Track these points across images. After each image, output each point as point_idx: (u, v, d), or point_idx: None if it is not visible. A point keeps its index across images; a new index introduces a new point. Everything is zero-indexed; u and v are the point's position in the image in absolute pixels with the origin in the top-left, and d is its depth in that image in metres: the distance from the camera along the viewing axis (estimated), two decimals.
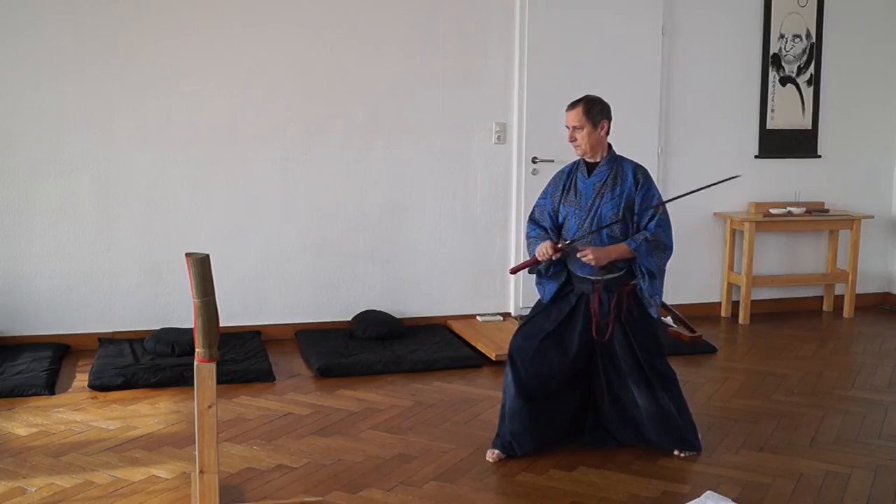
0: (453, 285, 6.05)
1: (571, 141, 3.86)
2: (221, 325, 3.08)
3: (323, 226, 5.80)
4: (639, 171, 3.86)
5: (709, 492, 3.43)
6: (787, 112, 6.63)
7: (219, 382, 3.07)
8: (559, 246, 3.78)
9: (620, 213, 3.80)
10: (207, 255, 2.92)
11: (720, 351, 5.63)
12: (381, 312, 5.80)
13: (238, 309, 5.64)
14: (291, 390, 4.74)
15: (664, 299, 4.01)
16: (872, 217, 6.73)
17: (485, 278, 6.07)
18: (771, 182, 6.65)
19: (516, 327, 4.16)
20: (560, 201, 3.91)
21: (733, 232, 6.52)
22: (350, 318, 5.79)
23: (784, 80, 6.59)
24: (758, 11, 6.49)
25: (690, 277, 6.40)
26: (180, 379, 4.75)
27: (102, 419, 4.26)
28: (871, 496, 3.52)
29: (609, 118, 3.86)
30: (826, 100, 6.71)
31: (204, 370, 2.97)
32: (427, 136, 5.91)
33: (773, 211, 6.46)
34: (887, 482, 3.65)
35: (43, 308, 5.40)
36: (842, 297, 6.73)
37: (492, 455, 3.82)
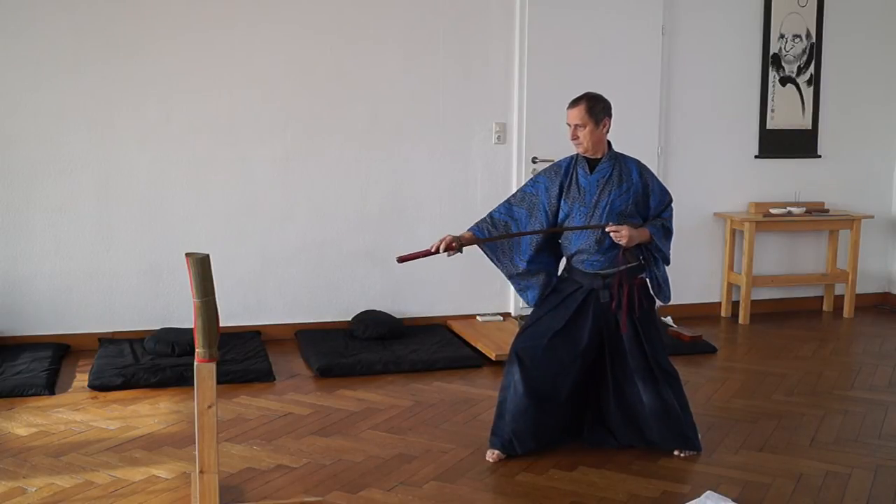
0: (453, 285, 6.05)
1: (573, 139, 3.86)
2: (221, 325, 3.08)
3: (323, 226, 5.80)
4: (643, 170, 3.91)
5: (709, 492, 3.43)
6: (787, 112, 6.63)
7: (219, 382, 3.07)
8: (456, 244, 3.76)
9: (629, 209, 3.82)
10: (207, 255, 2.92)
11: (720, 351, 5.63)
12: (381, 312, 5.80)
13: (238, 309, 5.64)
14: (291, 390, 4.74)
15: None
16: (872, 217, 6.73)
17: (485, 278, 6.05)
18: (771, 182, 6.65)
19: (519, 329, 4.15)
20: (560, 197, 3.90)
21: (733, 232, 6.52)
22: (350, 318, 5.79)
23: (784, 80, 6.59)
24: (758, 11, 6.49)
25: (690, 277, 6.40)
26: (180, 379, 4.75)
27: (102, 419, 4.26)
28: (871, 496, 3.52)
29: (610, 115, 3.87)
30: (826, 100, 6.71)
31: (204, 370, 2.97)
32: (427, 136, 5.92)
33: (773, 211, 6.46)
34: (887, 482, 3.65)
35: (43, 308, 5.41)
36: (842, 297, 6.73)
37: (492, 455, 3.82)
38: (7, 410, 4.35)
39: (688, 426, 3.90)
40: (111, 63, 5.35)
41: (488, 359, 5.29)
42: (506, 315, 6.11)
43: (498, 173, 6.07)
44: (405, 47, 5.82)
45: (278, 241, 5.74)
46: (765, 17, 6.50)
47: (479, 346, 5.44)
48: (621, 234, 3.74)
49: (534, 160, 6.02)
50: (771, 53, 6.53)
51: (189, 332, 4.82)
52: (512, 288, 6.10)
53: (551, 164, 4.02)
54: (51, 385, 4.67)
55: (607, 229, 3.76)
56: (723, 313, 6.59)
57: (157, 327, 5.46)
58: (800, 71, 6.62)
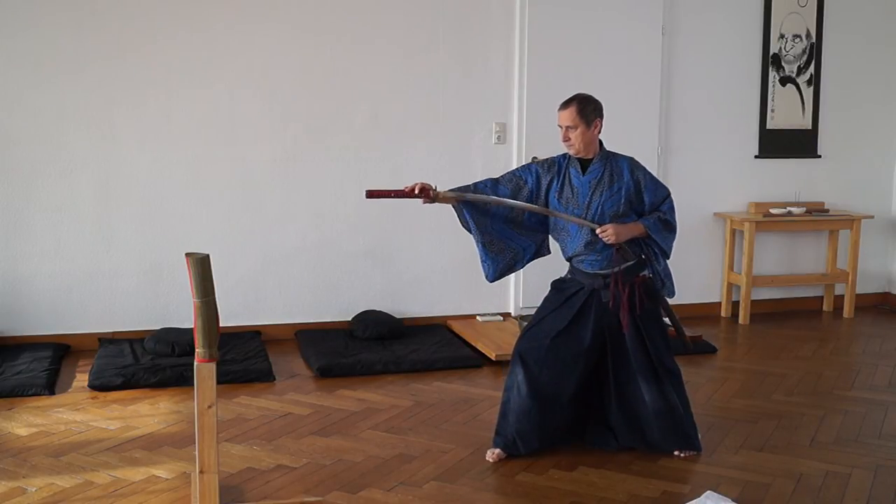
0: (453, 285, 6.05)
1: (565, 140, 3.86)
2: (221, 325, 3.08)
3: (323, 226, 5.80)
4: (635, 167, 3.88)
5: (709, 492, 3.43)
6: (787, 112, 6.63)
7: (219, 382, 3.07)
8: (431, 192, 3.73)
9: (621, 209, 3.81)
10: (207, 255, 2.92)
11: (720, 351, 5.63)
12: (381, 312, 5.80)
13: (238, 309, 5.64)
14: (291, 390, 4.74)
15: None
16: (872, 217, 6.73)
17: (485, 278, 6.05)
18: (771, 182, 6.65)
19: (521, 330, 4.15)
20: (549, 190, 3.88)
21: (733, 232, 6.52)
22: (350, 318, 5.79)
23: (784, 80, 6.59)
24: (758, 11, 6.49)
25: (690, 277, 6.39)
26: (180, 379, 4.75)
27: (102, 419, 4.26)
28: (871, 496, 3.52)
29: (601, 116, 3.86)
30: (826, 100, 6.71)
31: (204, 370, 2.97)
32: (427, 136, 5.91)
33: (773, 211, 6.46)
34: (887, 482, 3.65)
35: (43, 308, 5.40)
36: (842, 297, 6.73)
37: (492, 455, 3.82)
38: (7, 410, 4.35)
39: (689, 426, 3.90)
40: (111, 63, 5.35)
41: (488, 359, 5.29)
42: (506, 315, 6.11)
43: (498, 173, 5.88)
44: (405, 47, 5.82)
45: (278, 241, 5.74)
46: (765, 17, 6.50)
47: (479, 346, 5.44)
48: (608, 233, 3.74)
49: (534, 160, 5.99)
50: (771, 53, 6.53)
51: (189, 332, 4.82)
52: (512, 288, 6.14)
53: (546, 158, 4.02)
54: (51, 385, 4.67)
55: (597, 231, 3.76)
56: (723, 313, 6.59)
57: (157, 327, 5.45)
58: (800, 71, 6.62)
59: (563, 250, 3.97)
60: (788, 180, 6.69)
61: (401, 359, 5.18)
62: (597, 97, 3.90)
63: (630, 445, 3.91)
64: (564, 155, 3.94)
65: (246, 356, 5.18)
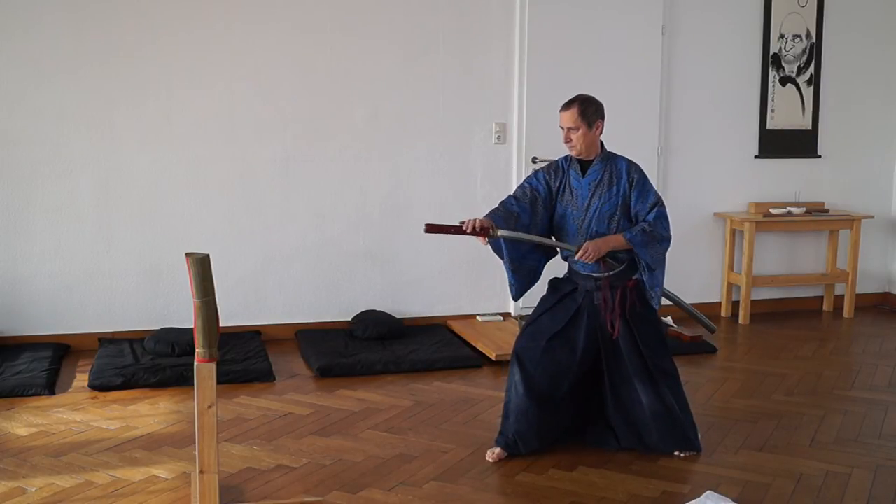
0: (453, 285, 6.05)
1: (566, 142, 3.86)
2: (221, 325, 3.08)
3: (323, 226, 5.80)
4: (633, 169, 3.87)
5: (709, 492, 3.42)
6: (787, 112, 6.63)
7: (219, 382, 3.07)
8: (490, 231, 3.72)
9: (619, 211, 3.81)
10: (207, 255, 2.92)
11: (720, 351, 5.63)
12: (381, 312, 5.80)
13: (238, 309, 5.64)
14: (291, 390, 4.74)
15: (686, 300, 4.07)
16: (872, 217, 6.73)
17: (485, 278, 6.06)
18: (771, 182, 6.65)
19: (521, 328, 4.16)
20: (557, 195, 3.90)
21: (733, 232, 6.52)
22: (350, 318, 5.79)
23: (784, 80, 6.59)
24: (758, 11, 6.49)
25: (690, 277, 6.39)
26: (180, 379, 4.75)
27: (102, 419, 4.26)
28: (871, 496, 3.52)
29: (603, 118, 3.87)
30: (826, 100, 6.71)
31: (204, 370, 2.97)
32: (427, 136, 5.92)
33: (773, 211, 6.46)
34: (887, 482, 3.65)
35: (43, 308, 5.40)
36: (842, 297, 6.73)
37: (492, 455, 3.82)
38: (7, 410, 4.35)
39: (688, 426, 3.90)
40: (111, 63, 5.35)
41: (488, 359, 5.29)
42: (506, 315, 6.11)
43: (498, 173, 6.07)
44: (405, 47, 5.82)
45: (278, 240, 5.74)
46: (765, 17, 6.50)
47: (479, 346, 5.44)
48: (587, 255, 3.74)
49: (534, 160, 6.02)
50: (771, 53, 6.53)
51: (189, 332, 4.82)
52: None
53: (549, 163, 4.02)
54: (51, 385, 4.67)
55: (576, 256, 3.76)
56: (723, 313, 6.59)
57: (157, 327, 5.46)
58: (800, 71, 6.62)
59: (560, 251, 3.98)
60: (788, 180, 6.69)
61: (401, 359, 5.18)
62: (597, 97, 3.90)
63: (630, 447, 3.91)
64: (566, 157, 3.94)
65: (246, 356, 5.18)
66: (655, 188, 3.93)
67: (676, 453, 3.87)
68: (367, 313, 5.76)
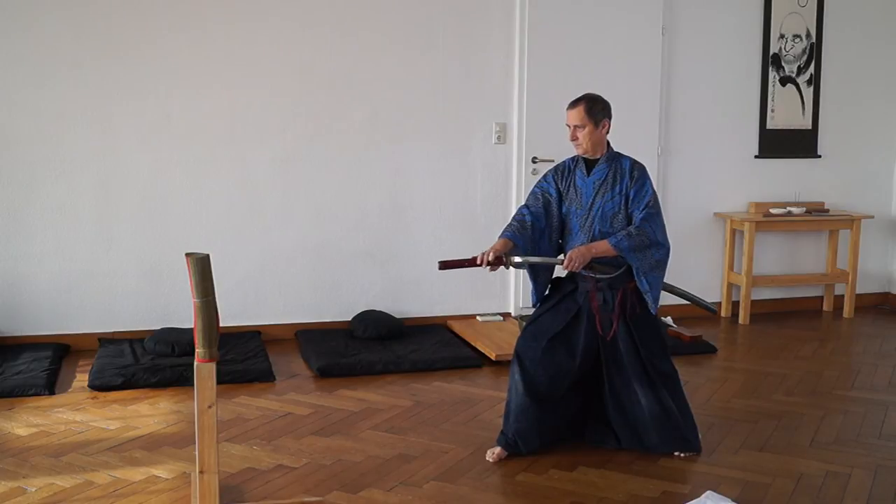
0: (453, 285, 6.05)
1: (573, 140, 3.87)
2: (221, 325, 3.07)
3: (323, 226, 5.80)
4: (635, 167, 3.87)
5: (709, 492, 3.42)
6: (787, 112, 6.63)
7: (219, 382, 3.07)
8: (503, 260, 3.75)
9: (621, 210, 3.81)
10: (207, 255, 2.92)
11: (720, 351, 5.63)
12: (381, 312, 5.79)
13: (238, 309, 5.64)
14: (291, 390, 4.74)
15: (686, 288, 4.16)
16: (872, 217, 6.73)
17: (485, 278, 6.05)
18: (771, 182, 6.65)
19: (522, 327, 4.16)
20: (563, 197, 3.92)
21: (733, 232, 6.52)
22: (350, 318, 5.79)
23: (784, 80, 6.59)
24: (758, 11, 6.49)
25: (690, 277, 6.37)
26: (180, 379, 4.75)
27: (102, 419, 4.26)
28: (871, 496, 3.52)
29: (610, 116, 3.87)
30: (826, 100, 6.71)
31: (204, 370, 2.97)
32: (427, 136, 5.92)
33: (773, 211, 6.46)
34: (887, 482, 3.65)
35: (43, 308, 5.40)
36: (842, 297, 6.73)
37: (492, 454, 3.82)
38: (7, 410, 4.35)
39: (688, 427, 3.90)
40: (111, 63, 5.35)
41: (488, 359, 5.29)
42: (506, 315, 6.11)
43: (498, 173, 6.07)
44: (405, 47, 5.82)
45: (278, 241, 5.74)
46: (765, 17, 6.50)
47: (479, 346, 5.44)
48: (572, 264, 3.74)
49: (534, 160, 6.02)
50: (771, 53, 6.53)
51: (189, 332, 4.82)
52: (512, 288, 6.15)
53: (556, 164, 4.03)
54: (51, 385, 4.67)
55: (562, 267, 3.78)
56: (723, 313, 6.59)
57: (157, 327, 5.46)
58: (800, 71, 6.62)
59: (563, 250, 3.98)
60: (788, 180, 6.69)
61: (401, 359, 5.18)
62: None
63: (630, 447, 3.91)
64: (574, 157, 3.95)
65: (246, 356, 5.18)
66: (655, 189, 3.92)
67: (676, 454, 3.87)
68: (367, 313, 5.76)
